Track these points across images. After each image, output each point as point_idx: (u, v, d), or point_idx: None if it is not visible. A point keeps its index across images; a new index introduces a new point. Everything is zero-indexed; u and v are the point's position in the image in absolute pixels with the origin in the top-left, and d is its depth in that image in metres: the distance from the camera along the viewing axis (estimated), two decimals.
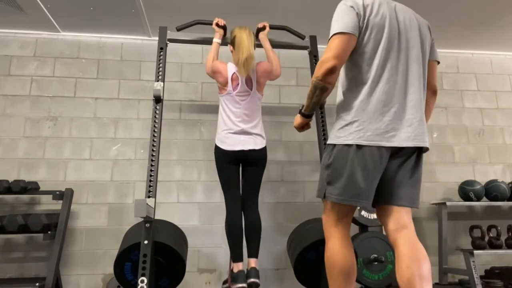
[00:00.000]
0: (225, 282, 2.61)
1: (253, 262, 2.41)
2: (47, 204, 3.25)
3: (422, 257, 1.49)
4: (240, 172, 2.59)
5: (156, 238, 2.38)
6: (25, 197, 3.27)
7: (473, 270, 3.07)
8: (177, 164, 3.51)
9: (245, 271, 2.39)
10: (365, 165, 1.54)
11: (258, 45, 2.85)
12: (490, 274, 3.38)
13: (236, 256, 2.42)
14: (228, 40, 2.73)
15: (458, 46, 4.08)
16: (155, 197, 2.43)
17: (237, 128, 2.51)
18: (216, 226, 3.39)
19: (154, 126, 2.62)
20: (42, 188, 3.22)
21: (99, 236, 3.30)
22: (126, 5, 3.21)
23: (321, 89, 1.60)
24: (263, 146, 2.57)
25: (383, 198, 1.62)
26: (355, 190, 1.55)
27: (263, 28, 2.85)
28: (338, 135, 1.62)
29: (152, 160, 2.51)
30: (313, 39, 3.10)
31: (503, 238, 3.30)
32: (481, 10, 3.39)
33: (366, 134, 1.54)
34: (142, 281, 2.17)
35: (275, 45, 2.88)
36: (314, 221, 2.82)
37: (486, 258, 3.62)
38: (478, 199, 3.44)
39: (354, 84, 1.62)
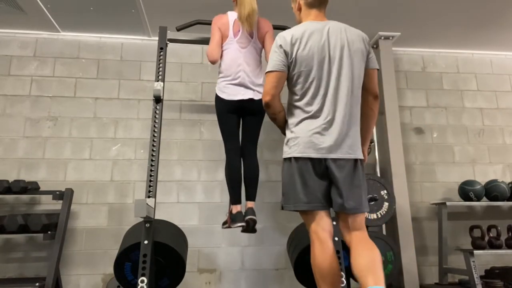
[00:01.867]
0: (224, 223, 2.66)
1: (250, 204, 2.53)
2: (47, 204, 3.25)
3: (370, 251, 1.64)
4: (239, 121, 2.63)
5: (156, 238, 2.38)
6: (25, 197, 3.27)
7: (473, 270, 3.07)
8: (177, 164, 3.51)
9: (243, 212, 2.51)
10: (301, 174, 1.76)
11: None
12: (490, 274, 3.37)
13: (234, 199, 2.54)
14: None
15: (458, 46, 4.08)
16: (155, 197, 2.43)
17: (237, 78, 2.52)
18: (216, 226, 3.38)
19: (154, 126, 2.61)
20: (42, 188, 3.22)
21: (99, 236, 3.30)
22: (126, 5, 3.21)
23: (271, 118, 1.93)
24: (261, 96, 2.59)
25: (334, 206, 1.78)
26: (298, 197, 1.75)
27: None
28: (284, 150, 1.87)
29: (152, 160, 2.51)
30: None
31: (503, 238, 3.30)
32: (481, 11, 3.39)
33: (299, 148, 1.77)
34: (142, 281, 2.17)
35: None
36: None
37: (486, 258, 3.62)
38: (478, 199, 3.44)
39: (293, 107, 1.86)
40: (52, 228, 2.96)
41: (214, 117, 3.57)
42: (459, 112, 4.02)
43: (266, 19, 2.71)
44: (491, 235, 3.32)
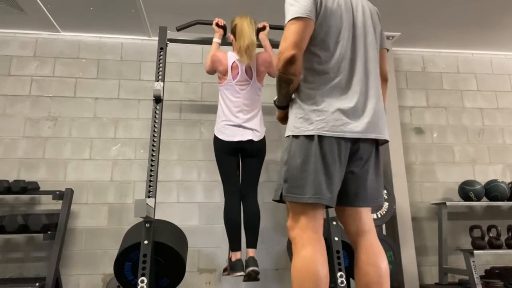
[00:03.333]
0: (224, 270, 2.64)
1: (251, 252, 2.45)
2: (47, 204, 3.25)
3: (379, 261, 1.46)
4: (238, 162, 2.60)
5: (156, 238, 2.38)
6: (25, 197, 3.27)
7: (473, 270, 3.07)
8: (177, 164, 3.51)
9: (243, 261, 2.43)
10: (324, 159, 1.41)
11: (258, 45, 2.86)
12: (490, 274, 3.38)
13: (234, 245, 2.47)
14: (225, 32, 2.78)
15: (458, 46, 4.08)
16: (155, 197, 2.43)
17: (236, 120, 2.50)
18: (216, 226, 3.39)
19: (154, 126, 2.61)
20: (42, 188, 3.22)
21: (99, 236, 3.30)
22: (126, 5, 3.21)
23: (286, 81, 1.48)
24: (261, 138, 2.58)
25: (346, 199, 1.51)
26: (320, 189, 1.40)
27: (263, 28, 2.85)
28: (298, 126, 1.47)
29: (152, 160, 2.51)
30: None
31: (503, 238, 3.30)
32: (481, 10, 3.39)
33: (329, 124, 1.42)
34: (142, 281, 2.17)
35: (275, 45, 2.88)
36: None
37: (486, 258, 3.62)
38: (478, 199, 3.44)
39: (312, 74, 1.50)
40: (52, 228, 2.96)
41: (214, 117, 3.58)
42: (459, 112, 4.02)
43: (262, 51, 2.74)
44: (491, 235, 3.32)
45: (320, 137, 1.42)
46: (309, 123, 1.44)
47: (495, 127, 4.03)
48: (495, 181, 3.49)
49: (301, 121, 1.47)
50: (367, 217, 1.54)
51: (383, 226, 3.50)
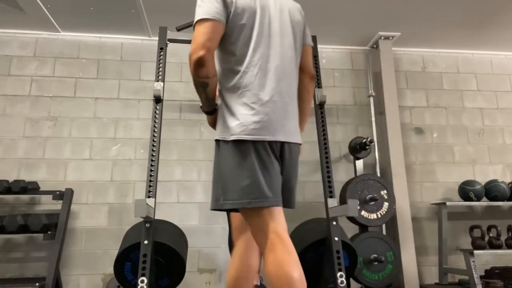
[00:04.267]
0: None
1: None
2: (47, 204, 3.25)
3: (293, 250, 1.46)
4: None
5: (156, 238, 2.38)
6: (25, 197, 3.27)
7: (473, 270, 3.07)
8: (177, 164, 3.51)
9: None
10: (261, 160, 1.38)
11: None
12: (490, 274, 3.38)
13: None
14: None
15: (458, 46, 4.08)
16: (155, 197, 2.43)
17: None
18: (216, 226, 3.39)
19: (154, 126, 2.62)
20: (42, 188, 3.22)
21: (99, 236, 3.30)
22: (126, 5, 3.21)
23: (201, 85, 1.42)
24: None
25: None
26: (262, 191, 1.36)
27: None
28: (224, 130, 1.43)
29: (152, 160, 2.51)
30: (313, 40, 3.09)
31: (503, 238, 3.30)
32: (481, 11, 3.39)
33: (249, 128, 1.37)
34: (142, 281, 2.17)
35: None
36: (314, 221, 2.82)
37: (486, 258, 3.62)
38: (478, 199, 3.44)
39: (231, 75, 1.46)
40: (52, 228, 2.96)
41: None
42: (459, 112, 4.02)
43: None
44: (491, 235, 3.32)
45: (242, 141, 1.38)
46: (232, 128, 1.40)
47: (495, 127, 4.03)
48: (495, 181, 3.49)
49: (225, 126, 1.43)
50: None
51: (383, 226, 3.50)
